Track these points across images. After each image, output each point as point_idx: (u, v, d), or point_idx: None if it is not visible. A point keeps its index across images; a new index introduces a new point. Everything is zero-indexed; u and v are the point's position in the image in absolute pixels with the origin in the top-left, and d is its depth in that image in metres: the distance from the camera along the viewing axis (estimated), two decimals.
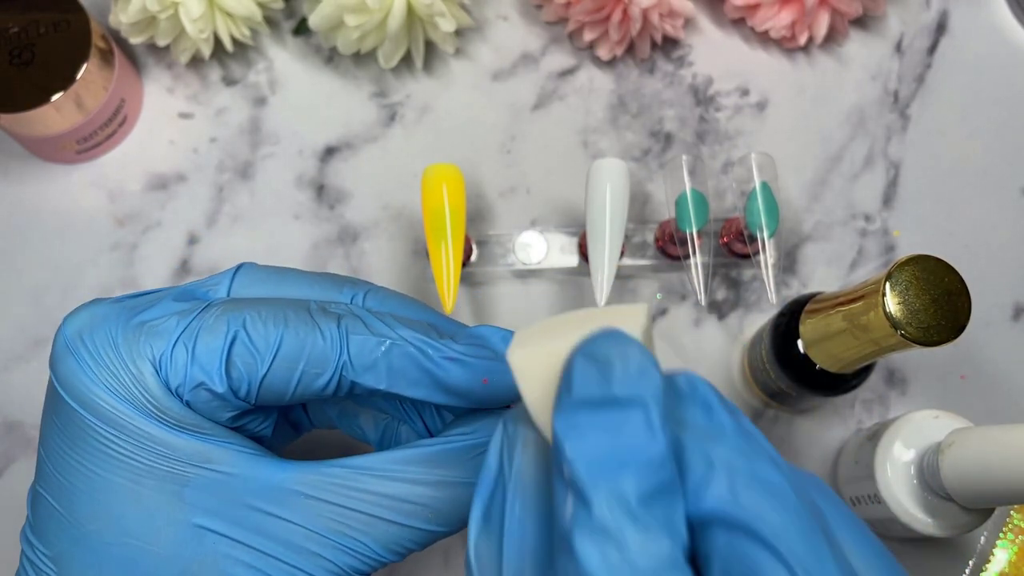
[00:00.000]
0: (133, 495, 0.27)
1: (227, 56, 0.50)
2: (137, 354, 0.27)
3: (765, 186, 0.42)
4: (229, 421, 0.29)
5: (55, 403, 0.28)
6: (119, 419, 0.27)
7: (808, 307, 0.39)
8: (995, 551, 0.43)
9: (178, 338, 0.27)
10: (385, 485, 0.28)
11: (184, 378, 0.27)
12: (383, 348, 0.28)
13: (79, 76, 0.43)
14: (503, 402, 0.30)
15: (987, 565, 0.43)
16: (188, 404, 0.27)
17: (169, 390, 0.27)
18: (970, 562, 0.43)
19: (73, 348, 0.27)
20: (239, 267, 0.32)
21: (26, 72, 0.44)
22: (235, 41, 0.49)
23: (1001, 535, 0.43)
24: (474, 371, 0.28)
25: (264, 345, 0.27)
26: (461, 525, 0.29)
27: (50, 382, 0.28)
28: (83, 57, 0.44)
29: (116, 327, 0.27)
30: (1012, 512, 0.43)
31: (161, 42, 0.46)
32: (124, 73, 0.47)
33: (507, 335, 0.30)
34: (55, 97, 0.43)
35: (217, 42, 0.49)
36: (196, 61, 0.50)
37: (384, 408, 0.34)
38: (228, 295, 0.31)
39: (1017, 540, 0.43)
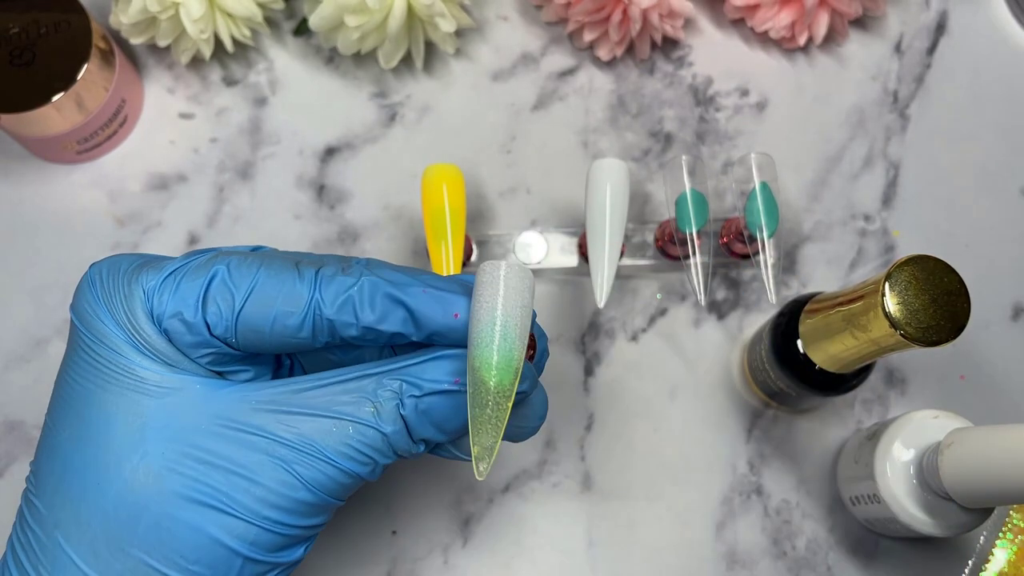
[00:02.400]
0: (101, 403, 0.29)
1: (227, 56, 0.50)
2: (134, 282, 0.29)
3: (765, 186, 0.42)
4: (210, 363, 0.30)
5: (70, 332, 0.30)
6: (106, 336, 0.29)
7: (808, 307, 0.39)
8: (994, 551, 0.43)
9: (170, 273, 0.29)
10: (328, 390, 0.29)
11: (165, 308, 0.29)
12: (355, 285, 0.29)
13: (79, 77, 0.44)
14: None
15: (986, 565, 0.43)
16: (166, 333, 0.29)
17: (151, 318, 0.29)
18: (969, 562, 0.43)
19: (90, 279, 0.30)
20: (257, 248, 0.33)
21: (27, 72, 0.44)
22: (235, 42, 0.49)
23: (1000, 535, 0.43)
24: (446, 304, 0.29)
25: (241, 281, 0.28)
26: (406, 428, 0.29)
27: (70, 317, 0.30)
28: (84, 58, 0.44)
29: (128, 263, 0.30)
30: (1011, 512, 0.43)
31: (162, 42, 0.46)
32: (124, 73, 0.47)
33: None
34: (56, 98, 0.43)
35: (218, 43, 0.49)
36: (196, 61, 0.50)
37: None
38: None
39: (1016, 540, 0.43)
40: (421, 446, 0.30)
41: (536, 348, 0.31)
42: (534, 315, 0.31)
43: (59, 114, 0.44)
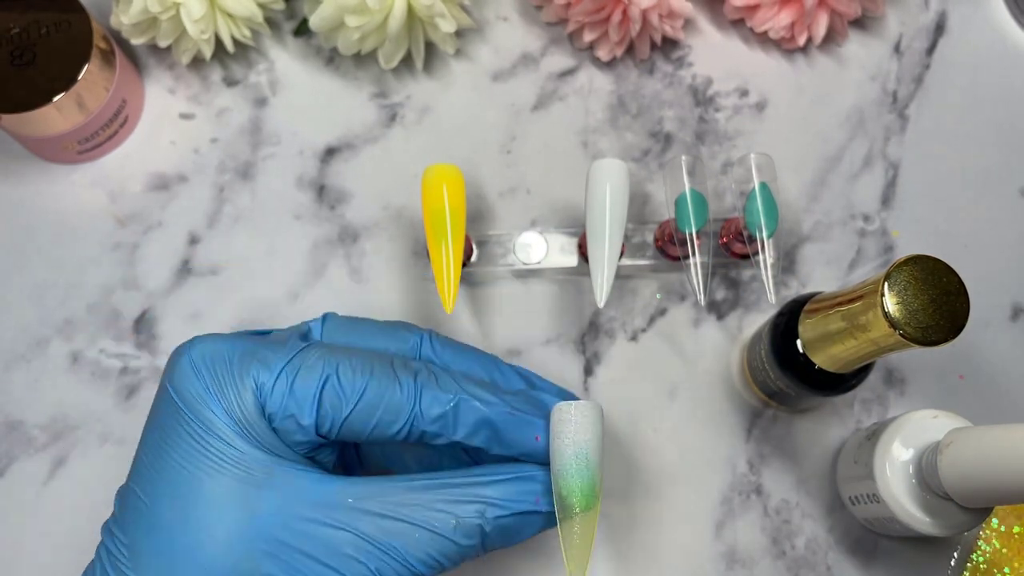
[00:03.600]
0: (209, 489, 0.30)
1: (228, 57, 0.50)
2: (246, 375, 0.31)
3: (764, 186, 0.42)
4: (305, 450, 0.32)
5: (165, 406, 0.32)
6: (216, 425, 0.31)
7: (807, 307, 0.39)
8: (979, 542, 0.43)
9: (281, 371, 0.31)
10: (419, 496, 0.31)
11: (279, 407, 0.31)
12: (452, 402, 0.32)
13: (80, 77, 0.44)
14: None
15: (972, 556, 0.43)
16: (276, 430, 0.31)
17: (262, 413, 0.31)
18: (954, 554, 0.43)
19: (194, 364, 0.31)
20: (325, 316, 0.37)
21: (27, 73, 0.44)
22: (236, 42, 0.49)
23: (984, 523, 0.43)
24: (529, 428, 0.32)
25: (351, 390, 0.31)
26: (482, 540, 0.32)
27: (163, 390, 0.32)
28: (84, 58, 0.44)
29: (234, 351, 0.32)
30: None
31: (162, 43, 0.46)
32: (125, 74, 0.47)
33: (563, 394, 0.35)
34: (56, 98, 0.43)
35: (218, 43, 0.49)
36: (197, 62, 0.50)
37: (428, 454, 0.38)
38: (321, 336, 0.36)
39: (1000, 528, 0.43)
40: (485, 553, 0.33)
41: None
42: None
43: (60, 114, 0.44)
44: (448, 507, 0.31)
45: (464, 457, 0.37)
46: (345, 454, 0.38)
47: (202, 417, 0.31)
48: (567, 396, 0.36)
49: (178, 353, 0.32)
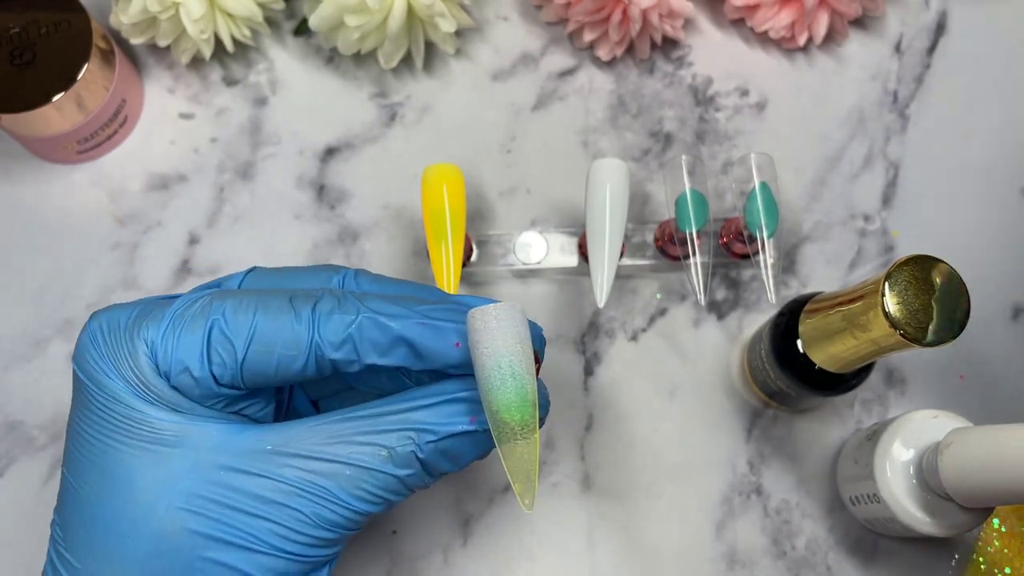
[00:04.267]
0: (120, 457, 0.29)
1: (228, 56, 0.50)
2: (136, 336, 0.29)
3: (764, 186, 0.42)
4: (222, 406, 0.30)
5: (75, 384, 0.31)
6: (116, 392, 0.29)
7: (807, 307, 0.39)
8: (979, 542, 0.43)
9: (168, 324, 0.29)
10: (342, 433, 0.29)
11: (171, 363, 0.29)
12: (354, 323, 0.29)
13: (80, 76, 0.44)
14: None
15: (972, 556, 0.43)
16: (176, 388, 0.29)
17: (157, 372, 0.29)
18: (954, 555, 0.43)
19: (92, 335, 0.30)
20: (251, 269, 0.34)
21: (27, 72, 0.44)
22: (236, 42, 0.49)
23: (985, 523, 0.43)
24: (446, 334, 0.29)
25: (239, 331, 0.29)
26: (424, 468, 0.30)
27: (74, 369, 0.31)
28: (84, 57, 0.44)
29: (126, 315, 0.30)
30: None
31: (162, 42, 0.46)
32: (125, 73, 0.47)
33: (486, 302, 0.30)
34: (56, 97, 0.43)
35: (218, 43, 0.49)
36: (197, 62, 0.50)
37: (380, 387, 0.35)
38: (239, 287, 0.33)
39: (1001, 528, 0.43)
40: (438, 478, 0.31)
41: (540, 361, 0.32)
42: (535, 331, 0.32)
43: (59, 114, 0.44)
44: (376, 439, 0.29)
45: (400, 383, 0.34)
46: (292, 408, 0.36)
47: (102, 386, 0.29)
48: (486, 301, 0.31)
49: (81, 330, 0.31)
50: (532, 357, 0.28)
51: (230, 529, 0.29)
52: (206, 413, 0.30)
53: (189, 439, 0.29)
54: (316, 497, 0.29)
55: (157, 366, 0.29)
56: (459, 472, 0.32)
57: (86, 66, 0.44)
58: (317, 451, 0.29)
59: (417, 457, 0.29)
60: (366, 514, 0.30)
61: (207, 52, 0.47)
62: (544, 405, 0.32)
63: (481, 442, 0.30)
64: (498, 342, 0.28)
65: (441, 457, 0.30)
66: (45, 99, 0.43)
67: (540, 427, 0.31)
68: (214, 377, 0.29)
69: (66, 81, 0.43)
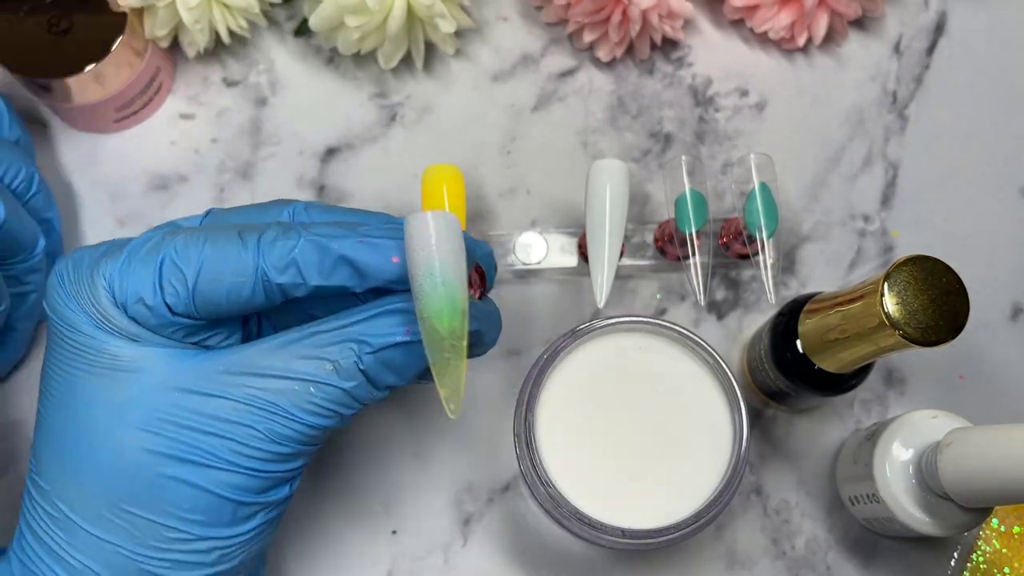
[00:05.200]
0: (83, 385, 0.31)
1: (228, 56, 0.50)
2: (96, 273, 0.31)
3: (764, 186, 0.42)
4: (182, 336, 0.32)
5: (48, 324, 0.33)
6: (78, 324, 0.31)
7: (807, 307, 0.39)
8: (979, 542, 0.43)
9: (124, 260, 0.31)
10: (289, 351, 0.31)
11: (126, 293, 0.31)
12: (296, 247, 0.30)
13: (116, 45, 0.44)
14: None
15: (972, 556, 0.43)
16: (134, 319, 0.31)
17: (115, 303, 0.31)
18: (954, 554, 0.43)
19: (59, 274, 0.32)
20: (209, 211, 0.36)
21: (65, 40, 0.44)
22: (234, 36, 0.49)
23: (984, 523, 0.43)
24: (384, 250, 0.30)
25: (189, 261, 0.30)
26: (368, 380, 0.31)
27: (43, 307, 0.33)
28: (120, 24, 0.44)
29: (89, 254, 0.32)
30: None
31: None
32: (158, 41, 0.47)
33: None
34: (93, 65, 0.44)
35: (218, 40, 0.49)
36: (196, 61, 0.50)
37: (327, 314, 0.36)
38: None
39: (1000, 528, 0.43)
40: (386, 391, 0.32)
41: (485, 283, 0.33)
42: (483, 250, 0.33)
43: (96, 82, 0.45)
44: (319, 352, 0.30)
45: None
46: (254, 330, 0.37)
47: (66, 319, 0.31)
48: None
49: (50, 272, 0.33)
50: (464, 268, 0.29)
51: (187, 447, 0.30)
52: (164, 343, 0.31)
53: (145, 365, 0.31)
54: (268, 413, 0.30)
55: (115, 298, 0.31)
56: (405, 386, 0.33)
57: (122, 36, 0.44)
58: (265, 368, 0.30)
59: (359, 368, 0.30)
60: (319, 427, 0.31)
61: (202, 43, 0.47)
62: (495, 325, 0.33)
63: (420, 354, 0.30)
64: (432, 248, 0.28)
65: (383, 368, 0.31)
66: (83, 66, 0.44)
67: (491, 347, 0.33)
68: (168, 306, 0.31)
69: (103, 49, 0.44)
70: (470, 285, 0.32)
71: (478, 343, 0.33)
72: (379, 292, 0.31)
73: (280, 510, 0.33)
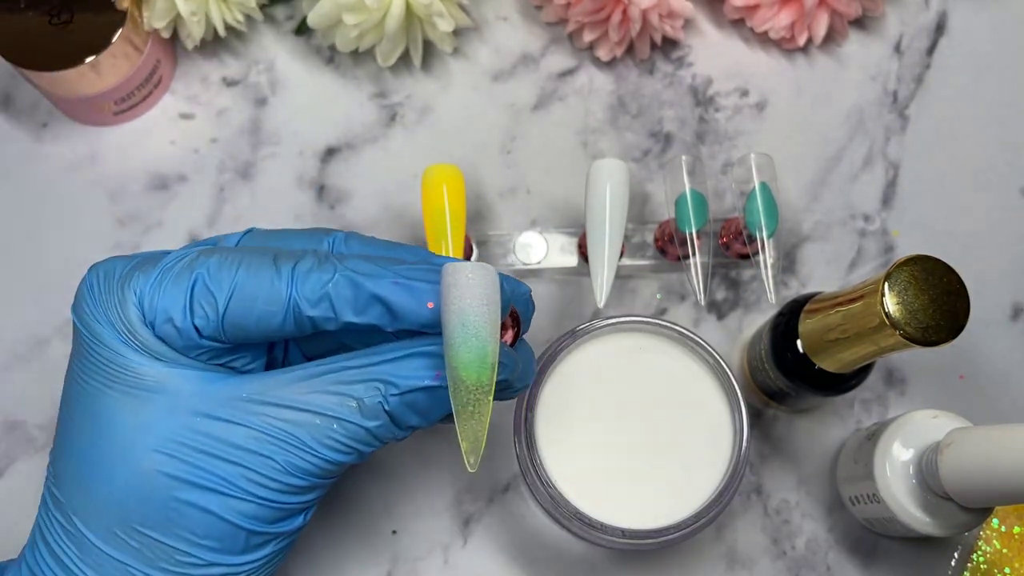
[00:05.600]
0: (105, 400, 0.31)
1: (228, 55, 0.50)
2: (127, 288, 0.31)
3: (764, 186, 0.42)
4: (207, 358, 0.31)
5: (73, 332, 0.32)
6: (105, 338, 0.31)
7: (807, 307, 0.39)
8: (979, 542, 0.43)
9: (156, 276, 0.31)
10: (313, 384, 0.30)
11: (156, 312, 0.30)
12: (331, 281, 0.30)
13: (116, 37, 0.44)
14: None
15: (972, 556, 0.43)
16: (161, 338, 0.31)
17: (144, 321, 0.30)
18: (954, 555, 0.43)
19: (88, 285, 0.32)
20: (249, 230, 0.35)
21: (65, 31, 0.44)
22: (231, 30, 0.49)
23: (984, 523, 0.43)
24: (419, 294, 0.30)
25: (221, 285, 0.30)
26: (391, 421, 0.31)
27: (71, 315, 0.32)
28: (121, 17, 0.44)
29: (121, 266, 0.32)
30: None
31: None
32: (158, 35, 0.47)
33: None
34: (93, 57, 0.44)
35: (216, 36, 0.49)
36: (197, 60, 0.50)
37: (370, 344, 0.35)
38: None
39: (1001, 528, 0.43)
40: (408, 432, 0.31)
41: (520, 326, 0.33)
42: (520, 291, 0.33)
43: (96, 74, 0.45)
44: (345, 389, 0.30)
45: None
46: (282, 357, 0.37)
47: (94, 332, 0.31)
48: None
49: (81, 280, 0.32)
50: (498, 320, 0.29)
51: (203, 473, 0.30)
52: (189, 363, 0.31)
53: (168, 386, 0.30)
54: (288, 445, 0.30)
55: (144, 315, 0.30)
56: (430, 428, 0.33)
57: (121, 29, 0.44)
58: (290, 400, 0.30)
59: (384, 409, 0.30)
60: (338, 463, 0.31)
61: (198, 35, 0.47)
62: (527, 373, 0.33)
63: (447, 399, 0.30)
64: (465, 300, 0.28)
65: (408, 410, 0.30)
66: (83, 58, 0.44)
67: (527, 388, 0.32)
68: (196, 328, 0.30)
69: (103, 40, 0.44)
70: (504, 330, 0.32)
71: (507, 389, 0.32)
72: (411, 332, 0.31)
73: (292, 539, 0.33)
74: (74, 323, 0.32)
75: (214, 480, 0.30)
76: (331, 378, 0.30)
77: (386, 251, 0.34)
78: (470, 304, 0.28)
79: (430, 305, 0.30)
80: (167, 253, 0.32)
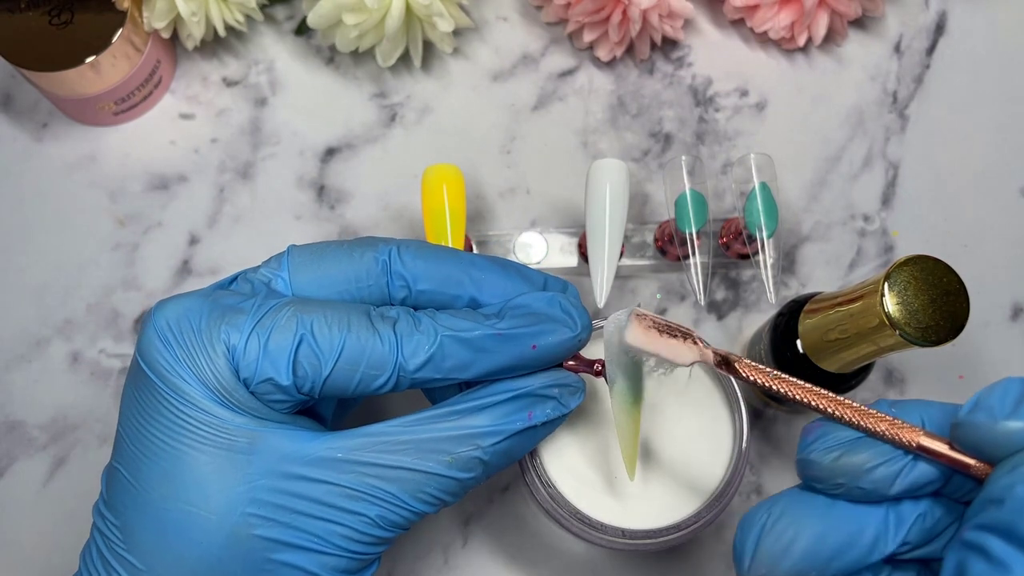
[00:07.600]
0: (193, 462, 0.30)
1: (228, 55, 0.50)
2: (216, 339, 0.30)
3: (764, 186, 0.42)
4: (290, 409, 0.31)
5: (138, 380, 0.31)
6: (190, 395, 0.30)
7: (807, 307, 0.39)
8: None
9: (251, 331, 0.30)
10: (407, 439, 0.31)
11: (254, 371, 0.30)
12: (434, 344, 0.30)
13: (116, 37, 0.44)
14: (551, 362, 0.32)
15: None
16: (253, 393, 0.30)
17: (237, 377, 0.30)
18: None
19: (160, 333, 0.30)
20: (289, 249, 0.34)
21: (65, 32, 0.44)
22: (231, 30, 0.49)
23: None
24: (522, 342, 0.31)
25: (328, 348, 0.30)
26: (485, 471, 0.31)
27: (134, 363, 0.31)
28: (121, 17, 0.44)
29: (197, 312, 0.30)
30: None
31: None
32: (158, 34, 0.47)
33: (550, 298, 0.32)
34: (93, 57, 0.44)
35: (216, 36, 0.49)
36: (197, 61, 0.50)
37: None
38: (288, 277, 0.33)
39: None
40: (488, 476, 0.32)
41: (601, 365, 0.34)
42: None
43: (96, 74, 0.45)
44: (441, 445, 0.31)
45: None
46: (345, 402, 0.37)
47: (176, 388, 0.30)
48: (552, 285, 0.34)
49: (144, 322, 0.31)
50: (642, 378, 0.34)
51: (299, 533, 0.30)
52: (278, 418, 0.31)
53: (262, 446, 0.30)
54: (381, 501, 0.30)
55: (238, 371, 0.30)
56: None
57: (122, 28, 0.44)
58: (384, 459, 0.30)
59: (481, 460, 0.31)
60: (423, 514, 0.31)
61: (198, 35, 0.47)
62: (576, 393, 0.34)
63: (538, 435, 0.32)
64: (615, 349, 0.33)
65: (503, 456, 0.32)
66: (83, 58, 0.44)
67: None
68: (297, 388, 0.30)
69: (103, 41, 0.44)
70: (588, 367, 0.34)
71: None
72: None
73: None
74: (143, 372, 0.30)
75: (310, 539, 0.30)
76: (427, 433, 0.31)
77: (452, 269, 0.33)
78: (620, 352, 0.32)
79: (534, 347, 0.31)
80: (245, 298, 0.31)
